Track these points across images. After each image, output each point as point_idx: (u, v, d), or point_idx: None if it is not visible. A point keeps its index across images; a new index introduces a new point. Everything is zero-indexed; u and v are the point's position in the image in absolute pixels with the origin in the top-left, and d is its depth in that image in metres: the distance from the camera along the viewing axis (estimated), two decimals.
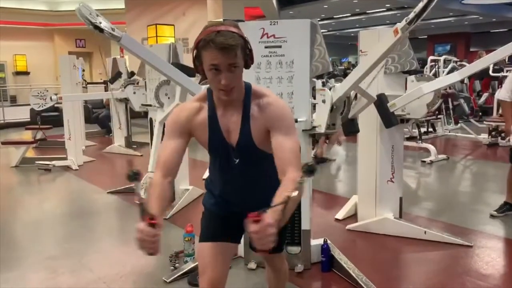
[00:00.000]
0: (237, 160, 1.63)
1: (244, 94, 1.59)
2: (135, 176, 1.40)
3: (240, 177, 1.68)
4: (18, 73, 18.09)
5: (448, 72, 8.49)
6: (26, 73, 18.12)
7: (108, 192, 4.98)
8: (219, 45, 1.41)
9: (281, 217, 1.25)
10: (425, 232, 3.45)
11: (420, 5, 2.20)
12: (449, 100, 8.79)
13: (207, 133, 1.62)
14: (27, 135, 9.12)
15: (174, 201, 4.35)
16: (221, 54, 1.43)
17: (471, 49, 23.17)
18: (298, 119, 2.74)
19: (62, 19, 17.06)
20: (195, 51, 1.50)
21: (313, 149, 6.40)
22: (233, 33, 1.45)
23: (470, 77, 9.76)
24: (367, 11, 19.51)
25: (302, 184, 1.29)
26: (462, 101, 9.51)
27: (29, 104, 6.92)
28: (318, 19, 2.84)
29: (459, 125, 9.01)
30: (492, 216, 3.95)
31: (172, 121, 1.65)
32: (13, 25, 16.62)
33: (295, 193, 1.26)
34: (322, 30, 2.89)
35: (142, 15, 11.95)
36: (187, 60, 4.29)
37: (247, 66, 1.54)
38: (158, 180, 1.55)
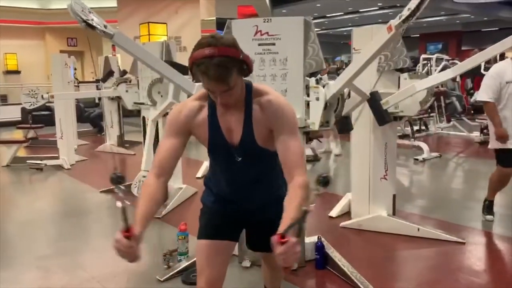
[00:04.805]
0: (240, 159, 1.61)
1: (245, 94, 1.56)
2: (118, 179, 1.37)
3: (242, 175, 1.67)
4: (8, 72, 17.90)
5: (440, 71, 8.54)
6: (17, 72, 17.95)
7: (100, 191, 4.94)
8: (212, 78, 1.40)
9: (300, 230, 1.28)
10: (418, 229, 3.46)
11: (414, 2, 2.20)
12: (442, 98, 8.85)
13: (208, 132, 1.60)
14: (18, 134, 9.04)
15: (167, 200, 4.34)
16: (216, 84, 1.42)
17: (462, 48, 23.31)
18: None
19: (53, 18, 16.89)
20: (191, 67, 1.46)
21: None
22: (227, 57, 1.39)
23: (462, 76, 9.82)
24: (360, 10, 19.56)
25: (317, 196, 1.29)
26: (454, 99, 9.59)
27: (20, 103, 6.88)
28: (311, 18, 2.83)
29: (451, 123, 9.08)
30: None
31: (171, 119, 1.63)
32: (3, 23, 16.46)
33: (312, 206, 1.26)
34: (315, 29, 2.88)
35: (135, 13, 11.90)
36: (180, 58, 4.30)
37: (246, 76, 1.52)
38: (152, 180, 1.55)
